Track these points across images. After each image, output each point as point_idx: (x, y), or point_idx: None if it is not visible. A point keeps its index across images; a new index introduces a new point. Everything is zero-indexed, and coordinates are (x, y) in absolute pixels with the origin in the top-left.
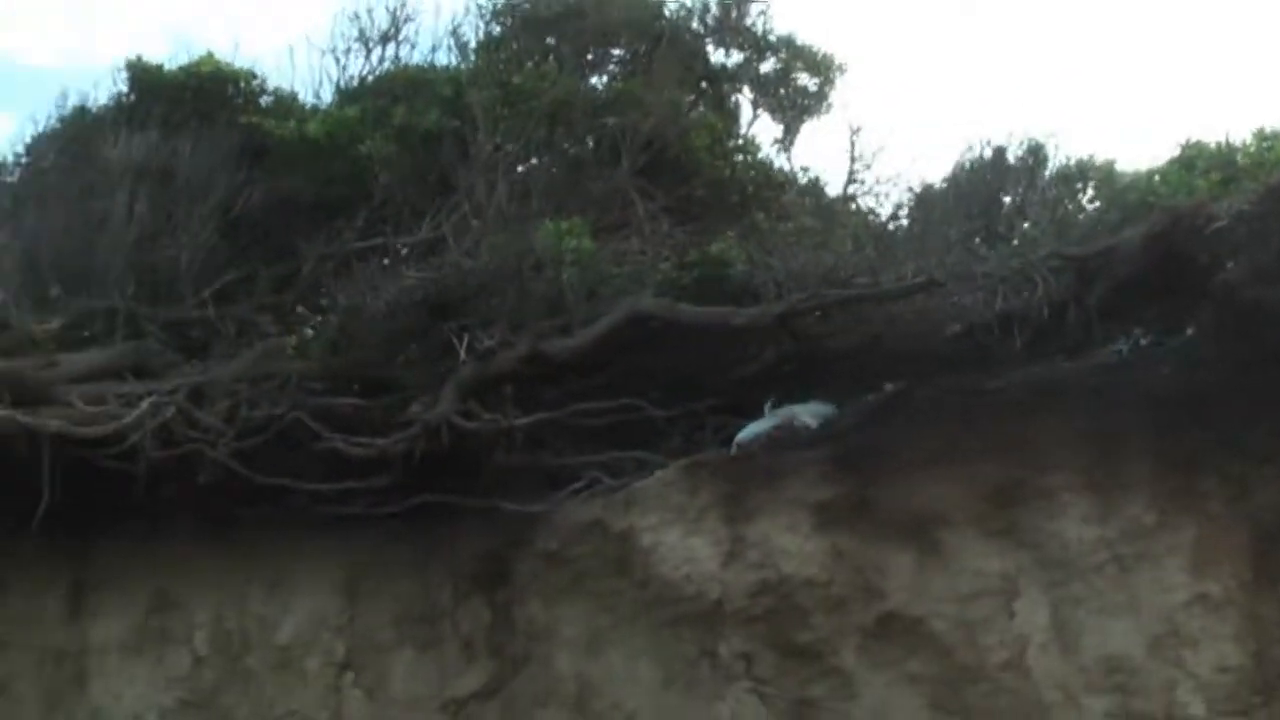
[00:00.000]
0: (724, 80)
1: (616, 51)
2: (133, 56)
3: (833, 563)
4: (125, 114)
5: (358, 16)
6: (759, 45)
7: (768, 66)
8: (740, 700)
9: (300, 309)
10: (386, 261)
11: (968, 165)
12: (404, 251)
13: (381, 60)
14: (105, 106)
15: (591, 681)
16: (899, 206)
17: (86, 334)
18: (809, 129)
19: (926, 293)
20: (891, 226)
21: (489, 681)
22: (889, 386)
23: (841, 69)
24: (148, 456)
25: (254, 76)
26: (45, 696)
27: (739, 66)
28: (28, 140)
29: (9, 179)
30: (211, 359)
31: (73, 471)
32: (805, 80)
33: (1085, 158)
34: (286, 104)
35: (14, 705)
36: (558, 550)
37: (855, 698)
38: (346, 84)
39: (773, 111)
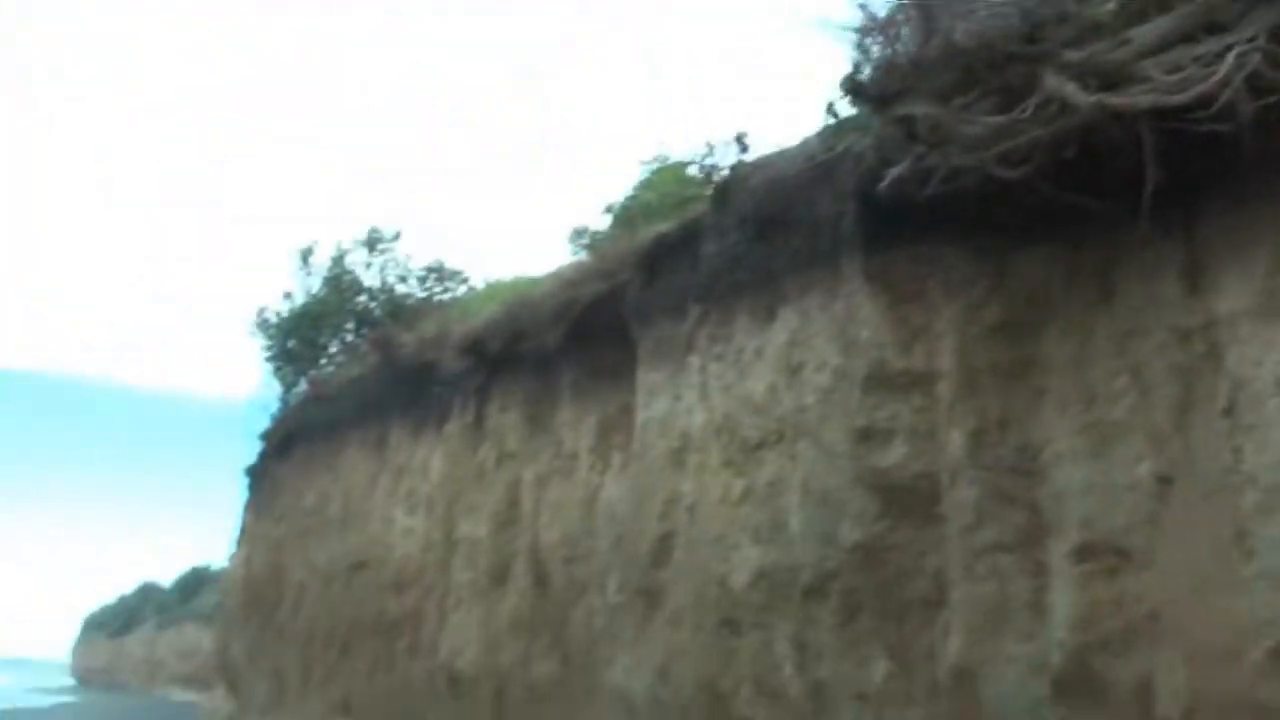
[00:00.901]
0: None
1: None
2: None
3: None
4: None
5: None
6: None
7: None
8: None
9: None
10: None
11: None
12: None
13: None
14: None
15: None
16: None
17: (1141, 6)
18: None
19: None
20: None
21: None
22: None
23: None
24: (1243, 112)
25: None
26: (1178, 376)
27: None
28: None
29: None
30: None
31: (1167, 147)
32: None
33: None
34: None
35: (1146, 393)
36: None
37: None
38: None
39: None
